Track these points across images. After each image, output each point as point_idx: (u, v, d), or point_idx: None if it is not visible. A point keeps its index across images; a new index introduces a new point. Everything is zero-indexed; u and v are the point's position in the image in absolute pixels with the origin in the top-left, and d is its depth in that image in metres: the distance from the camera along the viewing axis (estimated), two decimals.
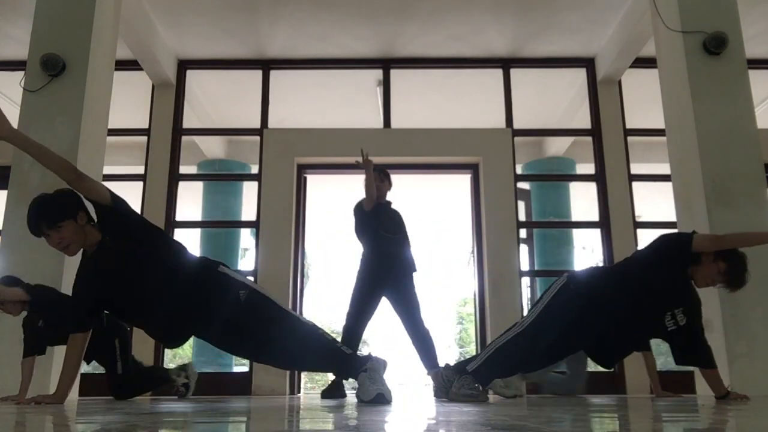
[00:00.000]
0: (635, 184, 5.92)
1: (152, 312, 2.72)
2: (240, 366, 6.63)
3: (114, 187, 4.62)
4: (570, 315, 2.98)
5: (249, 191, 6.56)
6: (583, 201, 6.65)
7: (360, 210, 4.49)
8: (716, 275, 3.09)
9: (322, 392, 4.49)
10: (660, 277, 3.03)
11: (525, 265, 6.20)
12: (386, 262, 4.40)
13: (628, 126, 6.09)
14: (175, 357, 16.54)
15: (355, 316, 4.38)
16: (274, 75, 6.33)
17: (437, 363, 4.33)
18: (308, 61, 6.29)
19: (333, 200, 9.21)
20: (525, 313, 5.80)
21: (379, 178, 4.50)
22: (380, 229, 4.44)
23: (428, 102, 6.90)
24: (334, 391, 4.39)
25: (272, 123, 6.21)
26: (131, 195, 6.08)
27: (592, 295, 3.01)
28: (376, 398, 2.75)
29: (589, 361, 3.72)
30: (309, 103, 6.91)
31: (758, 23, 5.49)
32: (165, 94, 6.17)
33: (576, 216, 7.08)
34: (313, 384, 21.24)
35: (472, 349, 19.59)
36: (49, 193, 2.70)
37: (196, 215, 7.19)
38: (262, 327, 2.73)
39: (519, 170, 6.13)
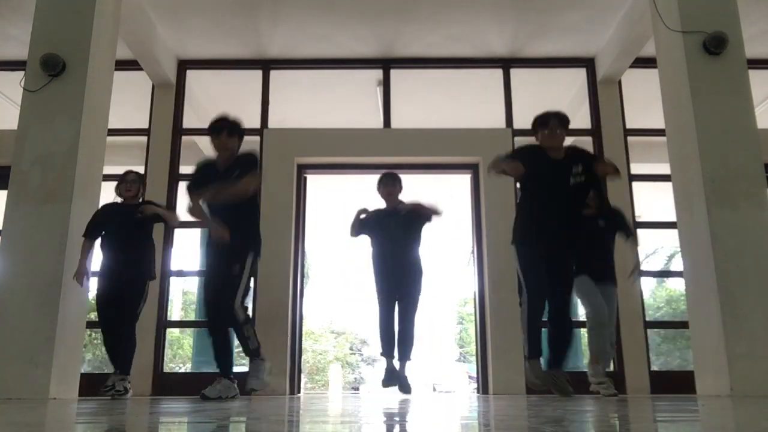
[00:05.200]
0: (635, 184, 5.92)
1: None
2: (240, 366, 6.63)
3: (114, 186, 4.66)
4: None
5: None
6: None
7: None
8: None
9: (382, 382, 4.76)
10: None
11: None
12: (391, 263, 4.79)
13: (628, 126, 6.08)
14: (175, 357, 16.52)
15: (381, 316, 4.77)
16: (274, 75, 6.33)
17: (409, 357, 4.73)
18: (308, 61, 6.29)
19: (333, 200, 9.22)
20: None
21: (391, 184, 4.88)
22: (386, 238, 4.81)
23: (428, 102, 6.89)
24: (393, 380, 4.67)
25: (272, 123, 6.20)
26: None
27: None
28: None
29: None
30: (309, 103, 6.91)
31: (758, 23, 5.49)
32: (165, 94, 6.17)
33: None
34: (313, 384, 21.24)
35: (472, 349, 19.59)
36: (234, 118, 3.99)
37: None
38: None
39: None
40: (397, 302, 4.77)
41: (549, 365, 3.75)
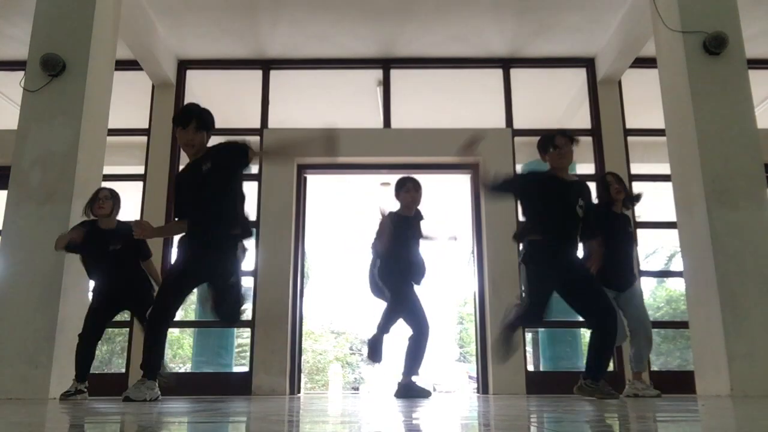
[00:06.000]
0: (635, 184, 5.91)
1: (201, 216, 3.35)
2: (240, 366, 6.63)
3: (114, 187, 4.67)
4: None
5: (249, 191, 6.55)
6: None
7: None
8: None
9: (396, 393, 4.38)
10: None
11: None
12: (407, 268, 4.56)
13: (628, 126, 6.08)
14: (175, 357, 16.52)
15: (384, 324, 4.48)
16: (274, 75, 6.33)
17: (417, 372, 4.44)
18: (308, 61, 6.29)
19: (333, 200, 9.22)
20: None
21: (415, 189, 4.61)
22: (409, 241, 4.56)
23: (428, 102, 6.89)
24: (411, 391, 4.33)
25: (272, 123, 6.20)
26: (131, 195, 6.09)
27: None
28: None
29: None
30: (309, 103, 6.90)
31: (758, 23, 5.49)
32: (165, 94, 6.16)
33: None
34: (313, 384, 21.24)
35: (472, 349, 19.59)
36: (204, 107, 3.47)
37: None
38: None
39: (519, 170, 6.13)
40: (407, 314, 4.51)
41: (591, 375, 3.56)
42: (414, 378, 4.42)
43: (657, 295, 15.46)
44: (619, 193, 4.26)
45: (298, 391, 5.74)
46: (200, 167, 3.32)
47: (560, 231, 3.65)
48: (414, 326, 4.48)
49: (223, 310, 3.36)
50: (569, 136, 3.71)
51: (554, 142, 3.67)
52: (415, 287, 4.59)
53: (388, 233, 4.46)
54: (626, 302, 4.18)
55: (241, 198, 3.47)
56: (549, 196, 3.69)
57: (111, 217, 4.13)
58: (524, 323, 3.79)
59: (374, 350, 4.45)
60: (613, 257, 4.08)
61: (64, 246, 3.89)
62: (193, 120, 3.37)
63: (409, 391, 4.33)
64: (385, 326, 4.47)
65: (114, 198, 4.16)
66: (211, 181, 3.31)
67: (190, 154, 3.41)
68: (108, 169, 4.76)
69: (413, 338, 4.47)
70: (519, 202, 3.93)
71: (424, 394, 4.35)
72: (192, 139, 3.38)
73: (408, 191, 4.59)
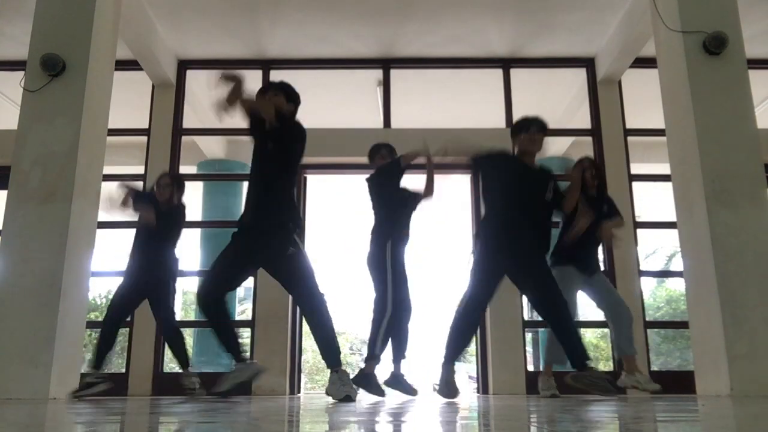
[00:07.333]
0: (635, 184, 5.92)
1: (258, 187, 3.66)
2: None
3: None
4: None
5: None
6: None
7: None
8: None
9: (354, 379, 4.00)
10: None
11: None
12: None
13: (628, 126, 6.08)
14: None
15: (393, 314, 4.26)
16: (274, 75, 6.32)
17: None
18: (308, 61, 6.29)
19: (333, 200, 9.22)
20: (525, 313, 5.82)
21: (389, 155, 4.58)
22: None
23: (428, 102, 6.90)
24: (400, 384, 4.24)
25: None
26: None
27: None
28: (345, 398, 3.30)
29: None
30: (309, 103, 6.89)
31: (758, 23, 5.49)
32: (165, 94, 6.16)
33: None
34: (313, 384, 21.23)
35: (471, 349, 19.55)
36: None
37: (196, 215, 7.18)
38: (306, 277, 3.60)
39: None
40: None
41: (578, 364, 3.54)
42: (403, 362, 4.30)
43: (657, 295, 15.45)
44: (593, 179, 4.24)
45: (298, 391, 5.74)
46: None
47: (522, 213, 3.68)
48: (398, 306, 4.25)
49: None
50: (542, 125, 3.84)
51: (528, 127, 3.82)
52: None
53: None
54: (598, 288, 4.16)
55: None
56: (512, 178, 3.76)
57: (170, 201, 4.55)
58: (465, 334, 3.85)
59: (370, 385, 4.07)
60: (581, 242, 4.07)
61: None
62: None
63: (398, 383, 4.26)
64: (380, 346, 4.16)
65: (175, 184, 4.59)
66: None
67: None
68: (108, 169, 4.76)
69: (396, 320, 4.25)
70: (482, 184, 4.02)
71: (411, 392, 4.29)
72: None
73: (383, 158, 4.52)
